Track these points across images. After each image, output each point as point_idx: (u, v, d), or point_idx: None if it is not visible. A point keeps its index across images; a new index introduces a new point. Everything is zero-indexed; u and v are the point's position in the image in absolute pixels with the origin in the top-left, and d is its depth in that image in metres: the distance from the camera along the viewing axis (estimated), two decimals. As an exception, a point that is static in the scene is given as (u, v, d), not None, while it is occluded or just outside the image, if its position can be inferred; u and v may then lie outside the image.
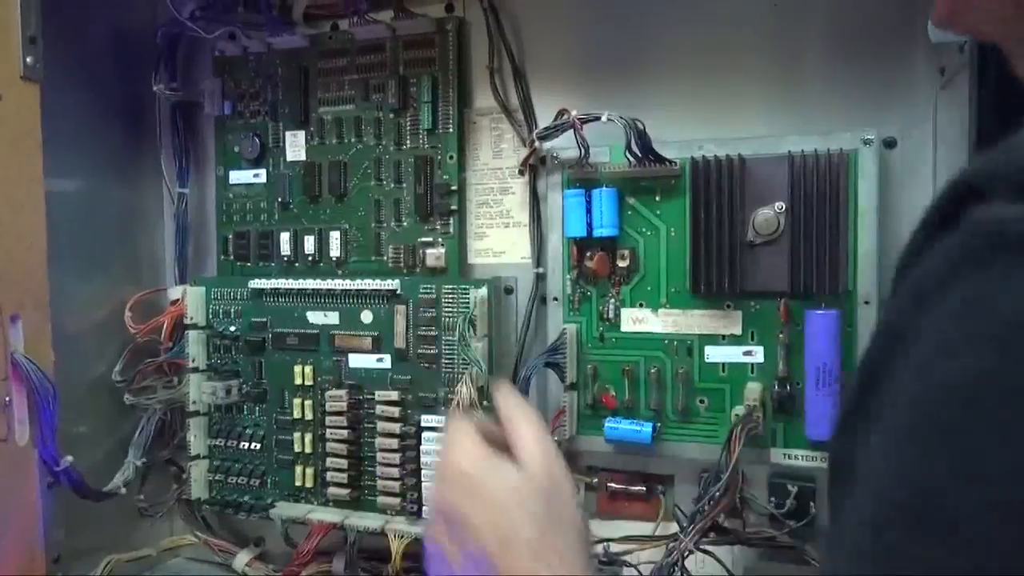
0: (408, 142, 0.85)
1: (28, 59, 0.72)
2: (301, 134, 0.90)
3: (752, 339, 0.70)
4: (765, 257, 0.69)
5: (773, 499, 0.70)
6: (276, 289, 0.88)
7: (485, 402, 0.76)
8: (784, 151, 0.68)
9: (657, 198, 0.73)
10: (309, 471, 0.87)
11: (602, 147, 0.74)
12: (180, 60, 0.95)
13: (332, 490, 0.85)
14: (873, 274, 0.66)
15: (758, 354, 0.70)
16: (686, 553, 0.66)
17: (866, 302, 0.66)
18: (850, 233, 0.67)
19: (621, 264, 0.74)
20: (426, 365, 0.82)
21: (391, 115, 0.85)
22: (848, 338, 0.67)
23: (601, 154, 0.74)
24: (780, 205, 0.68)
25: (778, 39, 0.72)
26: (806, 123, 0.70)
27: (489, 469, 0.45)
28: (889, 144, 0.68)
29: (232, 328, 0.90)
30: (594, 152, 0.74)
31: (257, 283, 0.88)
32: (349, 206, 0.88)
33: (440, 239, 0.84)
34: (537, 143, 0.76)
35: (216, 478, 0.91)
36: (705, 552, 0.67)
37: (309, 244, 0.89)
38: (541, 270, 0.79)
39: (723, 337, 0.71)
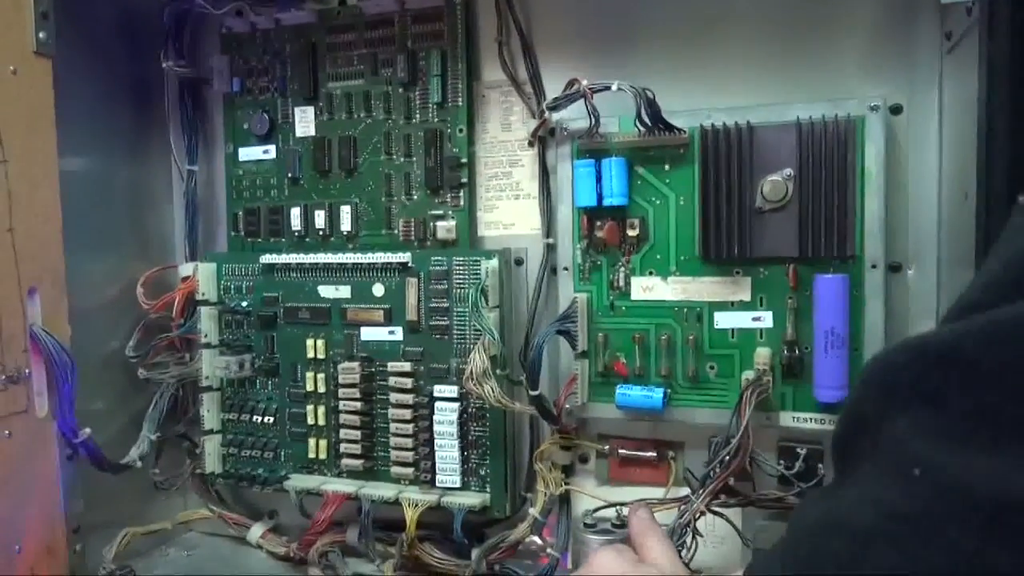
0: (417, 116, 0.86)
1: (41, 34, 0.73)
2: (310, 109, 0.90)
3: (761, 305, 0.71)
4: (773, 223, 0.69)
5: (782, 461, 0.71)
6: (287, 264, 0.88)
7: (498, 371, 0.77)
8: (792, 118, 0.69)
9: (666, 167, 0.74)
10: (323, 443, 0.88)
11: (611, 117, 0.74)
12: (188, 37, 0.95)
13: (346, 461, 0.86)
14: (880, 239, 0.67)
15: (767, 319, 0.71)
16: (697, 515, 0.67)
17: (873, 266, 0.67)
18: (858, 198, 0.67)
19: (631, 233, 0.75)
20: (438, 336, 0.83)
21: (400, 89, 0.86)
22: (856, 302, 0.68)
23: (610, 124, 0.75)
24: (788, 172, 0.69)
25: (785, 7, 0.73)
26: (814, 90, 0.71)
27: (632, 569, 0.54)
28: (895, 110, 0.69)
29: (244, 303, 0.91)
30: (603, 122, 0.74)
31: (268, 258, 0.89)
32: (359, 181, 0.88)
33: (450, 212, 0.85)
34: (547, 114, 0.76)
35: (229, 452, 0.92)
36: (716, 513, 0.68)
37: (320, 219, 0.90)
38: (551, 240, 0.80)
39: (732, 303, 0.72)
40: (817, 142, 0.68)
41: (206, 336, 0.91)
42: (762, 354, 0.70)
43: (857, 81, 0.70)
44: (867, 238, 0.67)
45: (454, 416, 0.81)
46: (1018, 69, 0.47)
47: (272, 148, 0.92)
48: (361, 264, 0.85)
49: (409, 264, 0.83)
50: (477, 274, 0.80)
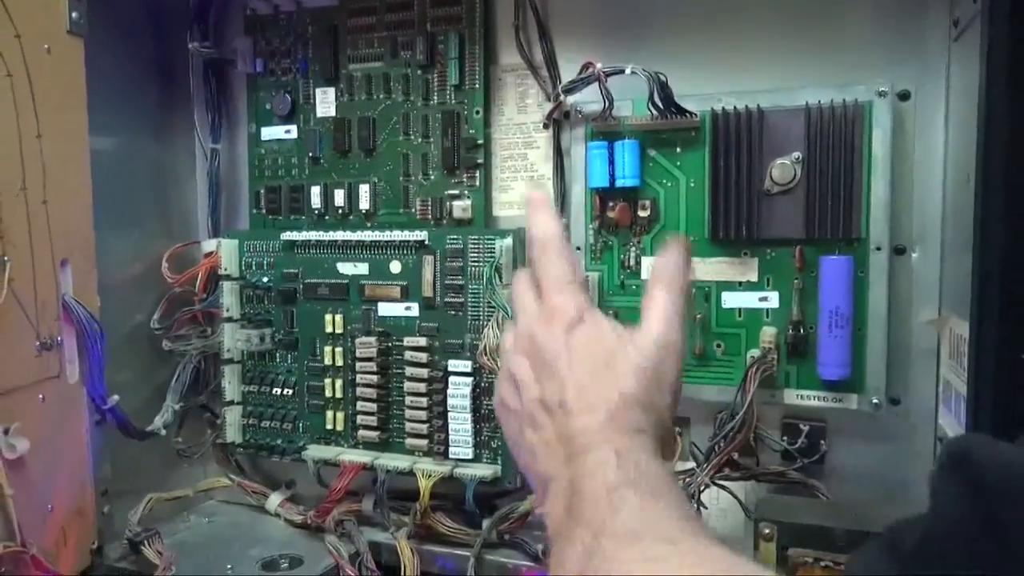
0: (435, 98, 0.88)
1: (74, 14, 0.75)
2: (331, 91, 0.93)
3: (768, 285, 0.73)
4: (781, 206, 0.71)
5: (786, 437, 0.73)
6: (307, 241, 0.91)
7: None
8: (801, 103, 0.70)
9: (678, 150, 0.76)
10: (340, 415, 0.91)
11: (624, 101, 0.76)
12: (213, 19, 0.97)
13: (362, 432, 0.89)
14: (885, 222, 0.69)
15: (773, 299, 0.73)
16: (702, 487, 0.69)
17: (878, 248, 0.69)
18: (864, 182, 0.69)
19: (642, 214, 0.77)
20: (453, 313, 0.85)
21: (419, 71, 0.88)
22: (860, 283, 0.70)
23: (623, 107, 0.77)
24: (796, 155, 0.71)
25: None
26: (823, 75, 0.72)
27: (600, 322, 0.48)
28: (903, 96, 0.70)
29: (265, 279, 0.93)
30: (616, 105, 0.76)
31: (289, 235, 0.91)
32: (378, 160, 0.91)
33: (466, 192, 0.87)
34: (562, 97, 0.78)
35: (249, 423, 0.95)
36: (720, 486, 0.70)
37: (339, 197, 0.92)
38: (565, 221, 0.82)
39: (740, 283, 0.74)
40: (825, 126, 0.70)
41: (228, 310, 0.93)
42: (768, 333, 0.72)
43: (866, 67, 0.71)
44: (872, 221, 0.69)
45: (467, 390, 0.83)
46: (1018, 56, 0.48)
47: (294, 128, 0.95)
48: (379, 242, 0.88)
49: (426, 242, 0.86)
50: (492, 252, 0.83)
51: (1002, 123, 0.49)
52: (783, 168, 0.71)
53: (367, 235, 0.88)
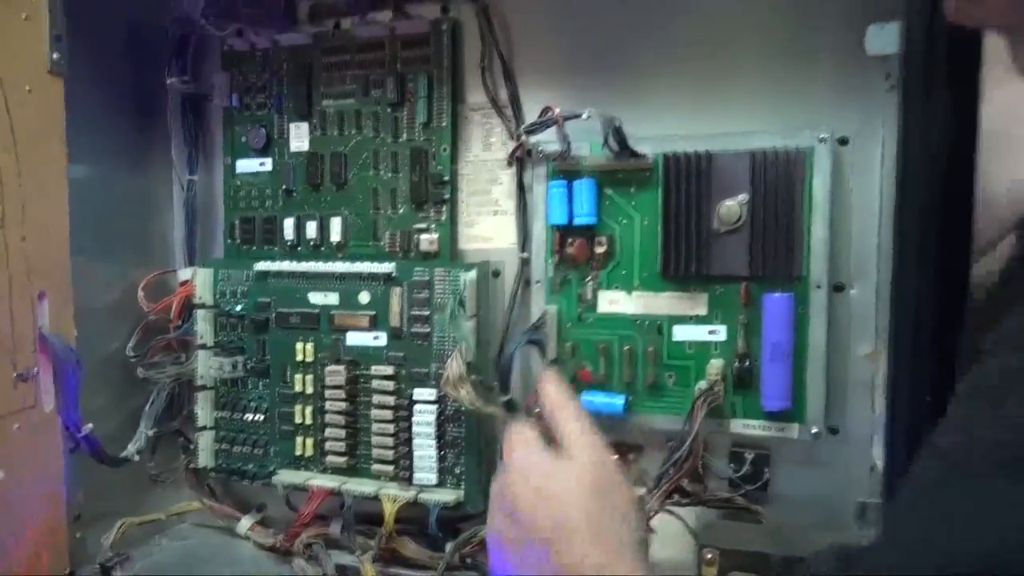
0: (405, 135, 0.91)
1: (54, 55, 0.78)
2: (305, 126, 0.96)
3: (716, 319, 0.77)
4: (729, 244, 0.75)
5: (732, 465, 0.77)
6: (280, 271, 0.94)
7: (473, 376, 0.82)
8: (747, 148, 0.75)
9: (632, 189, 0.80)
10: (309, 441, 0.93)
11: (583, 142, 0.80)
12: (191, 55, 1.00)
13: (330, 458, 0.91)
14: (825, 261, 0.73)
15: (721, 333, 0.77)
16: (652, 513, 0.72)
17: (818, 286, 0.73)
18: (805, 223, 0.73)
19: (599, 250, 0.81)
20: (419, 342, 0.88)
21: (389, 109, 0.91)
22: (801, 319, 0.73)
23: (582, 148, 0.80)
24: (743, 197, 0.75)
25: (745, 46, 0.78)
26: (768, 122, 0.76)
27: (543, 464, 0.50)
28: (843, 142, 0.75)
29: (238, 307, 0.96)
30: (576, 146, 0.80)
31: (262, 265, 0.94)
32: (349, 194, 0.94)
33: (433, 225, 0.90)
34: (524, 137, 0.82)
35: (221, 448, 0.98)
36: (669, 512, 0.73)
37: (311, 229, 0.95)
38: (526, 255, 0.86)
39: (690, 317, 0.78)
40: (770, 170, 0.74)
41: (202, 338, 0.96)
42: (715, 365, 0.76)
43: (809, 115, 0.75)
44: (813, 260, 0.73)
45: (432, 418, 0.86)
46: (926, 111, 0.53)
47: (268, 161, 0.98)
48: (349, 273, 0.91)
49: (393, 274, 0.89)
50: (457, 285, 0.86)
51: (914, 174, 0.54)
52: (730, 209, 0.75)
53: (338, 266, 0.91)
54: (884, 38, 0.62)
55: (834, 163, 0.73)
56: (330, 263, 0.92)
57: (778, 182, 0.74)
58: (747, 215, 0.74)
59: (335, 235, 0.94)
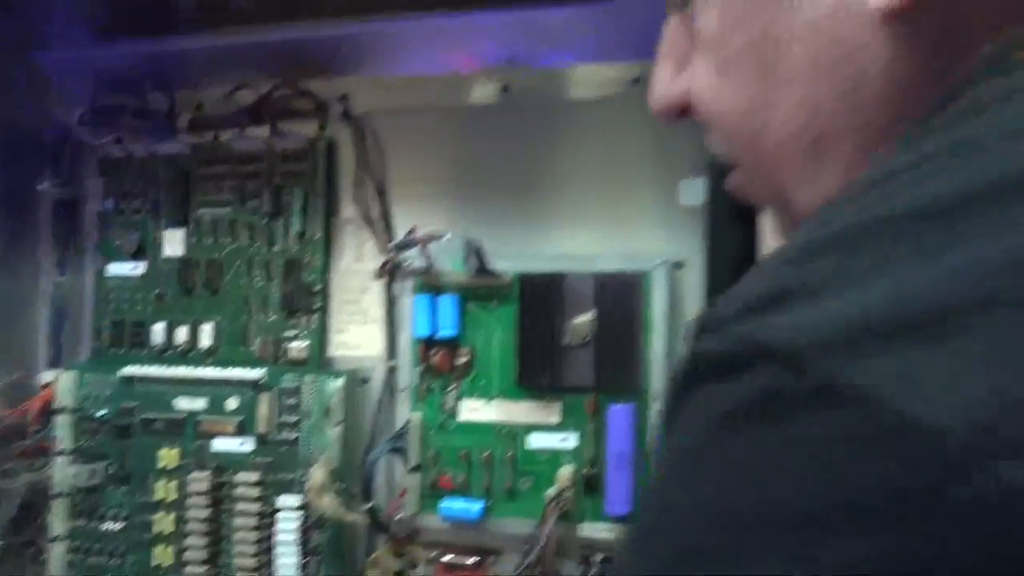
0: (279, 244, 0.94)
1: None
2: (180, 232, 0.98)
3: (568, 427, 0.82)
4: (578, 358, 0.81)
5: (581, 567, 0.81)
6: (146, 376, 0.94)
7: (337, 483, 0.84)
8: (595, 269, 0.82)
9: (492, 304, 0.85)
10: (169, 550, 0.92)
11: (448, 258, 0.86)
12: (66, 158, 1.02)
13: (190, 568, 0.90)
14: (663, 375, 0.80)
15: (572, 440, 0.82)
16: (507, 617, 0.75)
17: (656, 398, 0.80)
18: (644, 340, 0.80)
19: (461, 360, 0.85)
20: (285, 449, 0.89)
21: (264, 220, 0.95)
22: (642, 428, 0.80)
23: (447, 264, 0.86)
24: (591, 315, 0.81)
25: (593, 182, 0.86)
26: (614, 247, 0.84)
27: None
28: (679, 266, 0.83)
29: (101, 412, 0.95)
30: (440, 263, 0.85)
31: (129, 370, 0.94)
32: (221, 300, 0.96)
33: (303, 333, 0.93)
34: (392, 253, 0.87)
35: (75, 559, 0.94)
36: (524, 616, 0.76)
37: (182, 334, 0.96)
38: (393, 363, 0.89)
39: (544, 426, 0.83)
40: (614, 291, 0.81)
41: (61, 443, 0.94)
42: (565, 472, 0.81)
43: (649, 241, 0.84)
44: (652, 374, 0.80)
45: (295, 525, 0.87)
46: (723, 244, 0.61)
47: (141, 265, 0.99)
48: (218, 378, 0.92)
49: (263, 380, 0.90)
50: (324, 392, 0.88)
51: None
52: (579, 326, 0.81)
53: (207, 372, 0.92)
54: (694, 191, 0.72)
55: (670, 285, 0.81)
56: (199, 368, 0.93)
57: (620, 302, 0.81)
58: (594, 332, 0.81)
59: (206, 340, 0.95)
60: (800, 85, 0.30)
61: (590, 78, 0.87)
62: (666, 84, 0.36)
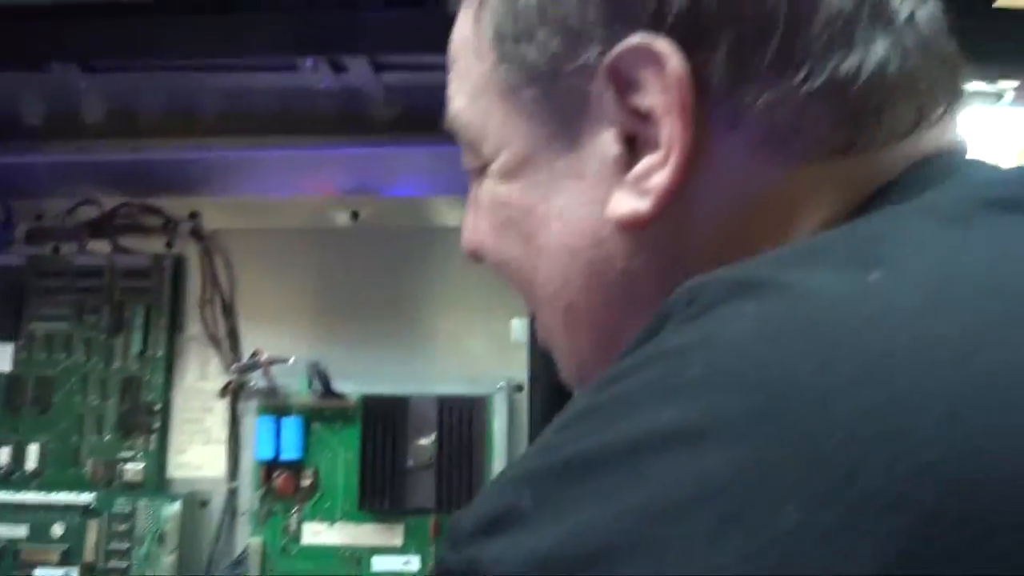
0: (118, 362, 0.92)
1: None
2: (9, 346, 0.94)
3: (411, 550, 0.83)
4: (421, 480, 0.83)
5: None
6: (-39, 502, 0.88)
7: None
8: (438, 392, 0.85)
9: (337, 425, 0.86)
10: None
11: (293, 379, 0.86)
12: None
13: None
14: (502, 496, 0.83)
15: (414, 563, 0.83)
16: None
17: (495, 520, 0.82)
18: (486, 462, 0.83)
19: (304, 483, 0.85)
20: (114, 579, 0.85)
21: (103, 336, 0.92)
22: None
23: (291, 385, 0.87)
24: (433, 437, 0.84)
25: (440, 302, 0.90)
26: (456, 370, 0.88)
27: None
28: (519, 388, 0.87)
29: (-95, 542, 0.87)
30: (286, 383, 0.86)
31: (-59, 495, 0.88)
32: (51, 419, 0.91)
33: (140, 454, 0.90)
34: (235, 375, 0.87)
35: None
36: None
37: (4, 455, 0.91)
38: (235, 485, 0.88)
39: (387, 548, 0.84)
40: (457, 413, 0.84)
41: None
42: (406, 596, 0.81)
43: (489, 365, 0.88)
44: (492, 495, 0.83)
45: (121, 663, 0.82)
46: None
47: (-37, 382, 0.93)
48: (42, 503, 0.87)
49: (92, 505, 0.86)
50: (159, 516, 0.86)
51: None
52: (422, 448, 0.83)
53: (30, 496, 0.87)
54: (523, 329, 0.77)
55: (510, 407, 0.85)
56: (22, 493, 0.87)
57: (463, 424, 0.84)
58: (436, 454, 0.83)
59: (31, 462, 0.90)
60: (555, 259, 0.35)
61: (438, 209, 0.92)
62: (468, 232, 0.41)
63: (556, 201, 0.35)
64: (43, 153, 0.92)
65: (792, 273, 0.24)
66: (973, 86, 0.88)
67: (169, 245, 0.95)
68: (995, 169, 0.33)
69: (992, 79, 0.87)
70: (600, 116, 0.33)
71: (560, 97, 0.33)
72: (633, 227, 0.32)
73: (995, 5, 0.90)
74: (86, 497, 0.87)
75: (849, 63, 0.30)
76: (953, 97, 0.33)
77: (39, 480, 0.90)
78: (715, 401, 0.21)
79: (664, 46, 0.30)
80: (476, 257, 0.41)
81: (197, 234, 0.93)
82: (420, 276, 0.91)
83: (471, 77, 0.37)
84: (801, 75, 0.30)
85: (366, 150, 0.88)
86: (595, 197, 0.33)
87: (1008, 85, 0.88)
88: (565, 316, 0.36)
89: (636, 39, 0.31)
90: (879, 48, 0.30)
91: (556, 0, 0.32)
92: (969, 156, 0.34)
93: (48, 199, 0.96)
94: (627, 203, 0.32)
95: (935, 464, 0.18)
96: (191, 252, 0.94)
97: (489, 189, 0.37)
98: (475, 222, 0.40)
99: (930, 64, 0.32)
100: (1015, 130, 0.96)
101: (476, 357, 0.89)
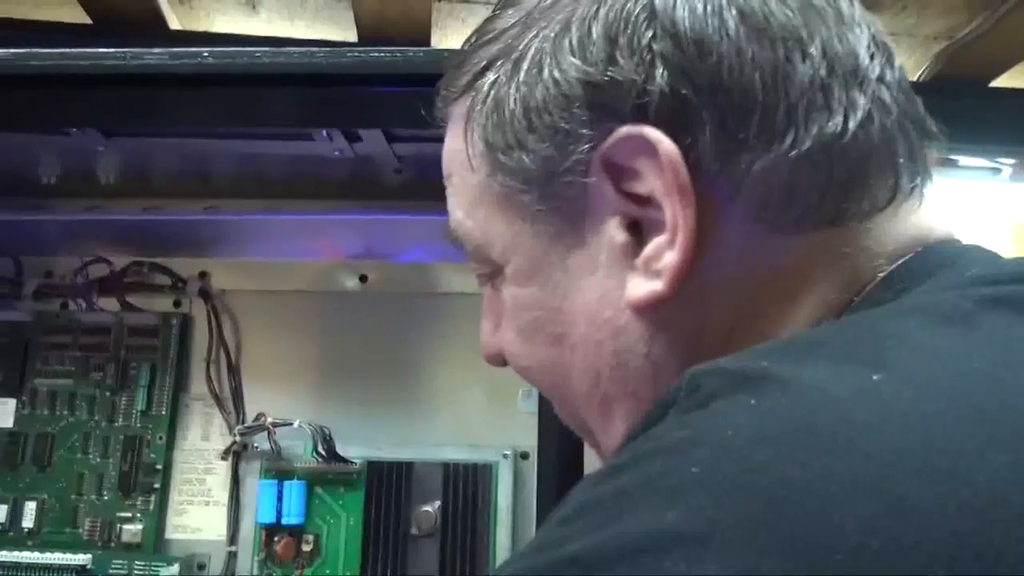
0: (120, 420, 0.92)
1: None
2: (11, 402, 0.93)
3: (410, 620, 0.82)
4: (424, 547, 0.82)
5: None
6: (-46, 561, 0.86)
7: None
8: (442, 459, 0.85)
9: (341, 490, 0.86)
10: None
11: (296, 441, 0.86)
12: None
13: None
14: (506, 566, 0.82)
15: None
16: None
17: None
18: (490, 529, 0.83)
19: (305, 548, 0.84)
20: (107, 645, 0.84)
21: (107, 393, 0.92)
22: (486, 620, 0.81)
23: (295, 448, 0.86)
24: (437, 504, 0.83)
25: (447, 368, 0.91)
26: (460, 438, 0.88)
27: None
28: (524, 456, 0.87)
29: None
30: (290, 446, 0.86)
31: (-66, 555, 0.86)
32: (50, 477, 0.91)
33: (139, 515, 0.89)
34: (238, 437, 0.87)
35: None
36: None
37: (1, 513, 0.90)
38: (234, 548, 0.87)
39: (387, 618, 0.82)
40: (461, 480, 0.84)
41: None
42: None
43: (494, 433, 0.88)
44: (499, 563, 0.82)
45: None
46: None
47: (-37, 436, 0.93)
48: (37, 564, 0.86)
49: (88, 567, 0.85)
50: (157, 580, 0.84)
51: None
52: (425, 515, 0.83)
53: (25, 556, 0.86)
54: (530, 399, 0.78)
55: (516, 474, 0.85)
56: (17, 552, 0.86)
57: (468, 491, 0.83)
58: (440, 521, 0.83)
59: (27, 520, 0.89)
60: (583, 355, 0.36)
61: (446, 275, 0.93)
62: (487, 338, 0.42)
63: (576, 298, 0.35)
64: (56, 211, 0.93)
65: (792, 367, 0.25)
66: (972, 162, 0.90)
67: (177, 304, 0.95)
68: (993, 261, 0.33)
69: (990, 156, 0.89)
70: (601, 208, 0.34)
71: (558, 196, 0.34)
72: (652, 309, 0.33)
73: (991, 85, 0.93)
74: (82, 558, 0.85)
75: (833, 123, 0.31)
76: (924, 170, 0.34)
77: (35, 539, 0.89)
78: (717, 505, 0.21)
79: (653, 133, 0.31)
80: (497, 362, 0.41)
81: (205, 294, 0.94)
82: (427, 341, 0.91)
83: (467, 190, 0.38)
84: (788, 141, 0.31)
85: (376, 216, 0.89)
86: (610, 287, 0.34)
87: (1006, 162, 0.90)
88: (601, 408, 0.37)
89: (625, 130, 0.32)
90: (859, 105, 0.32)
91: (542, 108, 0.33)
92: (965, 243, 0.35)
93: (58, 257, 0.97)
94: (643, 286, 0.33)
95: None
96: (199, 312, 0.95)
97: (511, 294, 0.38)
98: (493, 326, 0.41)
99: (904, 124, 0.33)
100: (1012, 205, 0.98)
101: (481, 423, 0.89)
